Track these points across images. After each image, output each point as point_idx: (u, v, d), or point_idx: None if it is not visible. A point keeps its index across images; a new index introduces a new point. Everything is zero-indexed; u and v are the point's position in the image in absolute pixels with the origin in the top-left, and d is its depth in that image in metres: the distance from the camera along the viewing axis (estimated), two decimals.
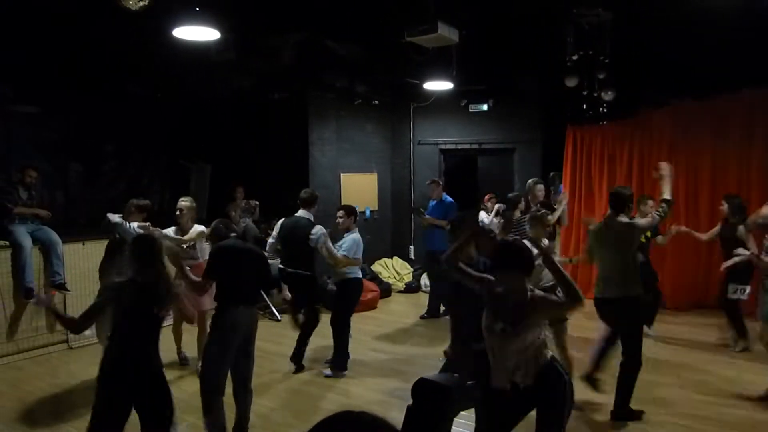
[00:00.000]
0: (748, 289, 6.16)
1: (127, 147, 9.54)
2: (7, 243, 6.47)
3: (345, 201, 9.83)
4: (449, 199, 8.51)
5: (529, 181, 7.83)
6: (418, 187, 11.19)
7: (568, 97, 8.52)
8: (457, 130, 10.81)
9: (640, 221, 4.99)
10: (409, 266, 10.74)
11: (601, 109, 8.71)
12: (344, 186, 10.03)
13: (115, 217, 5.75)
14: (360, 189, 10.38)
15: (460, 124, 10.76)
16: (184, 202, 6.23)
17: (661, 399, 5.18)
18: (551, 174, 10.05)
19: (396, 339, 7.27)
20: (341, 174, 10.07)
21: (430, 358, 6.20)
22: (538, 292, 3.36)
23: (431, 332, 7.57)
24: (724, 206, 6.57)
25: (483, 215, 8.72)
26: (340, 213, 6.18)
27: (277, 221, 6.50)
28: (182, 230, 6.14)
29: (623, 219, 4.78)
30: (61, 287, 6.62)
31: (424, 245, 8.87)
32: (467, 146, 10.76)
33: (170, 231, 6.14)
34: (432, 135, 11.01)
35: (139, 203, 5.94)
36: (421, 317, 8.25)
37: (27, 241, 6.45)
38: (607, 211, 4.98)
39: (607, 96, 8.05)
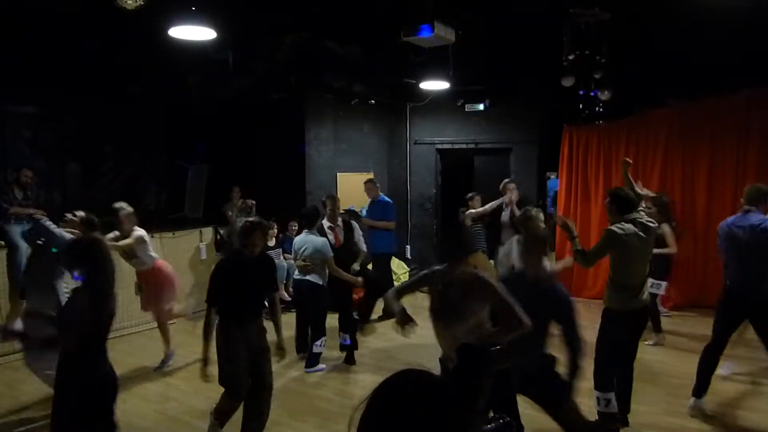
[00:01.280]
0: (663, 284, 6.83)
1: (124, 147, 9.53)
2: (3, 243, 6.46)
3: (341, 201, 9.83)
4: (386, 198, 8.48)
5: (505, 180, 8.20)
6: (415, 187, 11.20)
7: (565, 96, 8.53)
8: (454, 130, 10.81)
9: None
10: (405, 266, 10.74)
11: (597, 108, 8.74)
12: (341, 186, 10.03)
13: (45, 220, 5.51)
14: (357, 189, 10.34)
15: (456, 123, 10.77)
16: (123, 210, 5.94)
17: (648, 397, 5.20)
18: (547, 174, 10.09)
19: (393, 339, 7.24)
20: (338, 174, 10.07)
21: (427, 358, 6.18)
22: (482, 274, 3.52)
23: (429, 332, 7.55)
24: (653, 209, 6.59)
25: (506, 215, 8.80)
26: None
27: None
28: (123, 236, 5.92)
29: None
30: None
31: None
32: (464, 146, 10.77)
33: (110, 236, 5.92)
34: (429, 135, 11.01)
35: (86, 217, 5.60)
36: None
37: (22, 242, 6.44)
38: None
39: (604, 96, 8.07)
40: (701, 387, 4.91)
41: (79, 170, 9.03)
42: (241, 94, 8.82)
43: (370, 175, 10.78)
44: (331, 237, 6.62)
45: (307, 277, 6.17)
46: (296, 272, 6.40)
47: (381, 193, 8.49)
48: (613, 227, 4.44)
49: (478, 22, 6.42)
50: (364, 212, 10.21)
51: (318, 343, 6.19)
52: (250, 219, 4.50)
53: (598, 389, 4.43)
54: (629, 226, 4.39)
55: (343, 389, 5.69)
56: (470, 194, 8.13)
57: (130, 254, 6.04)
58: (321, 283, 6.23)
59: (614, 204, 4.58)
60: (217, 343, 4.23)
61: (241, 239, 4.30)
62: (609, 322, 4.49)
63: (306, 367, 6.21)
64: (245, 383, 4.20)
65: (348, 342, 6.47)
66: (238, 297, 4.23)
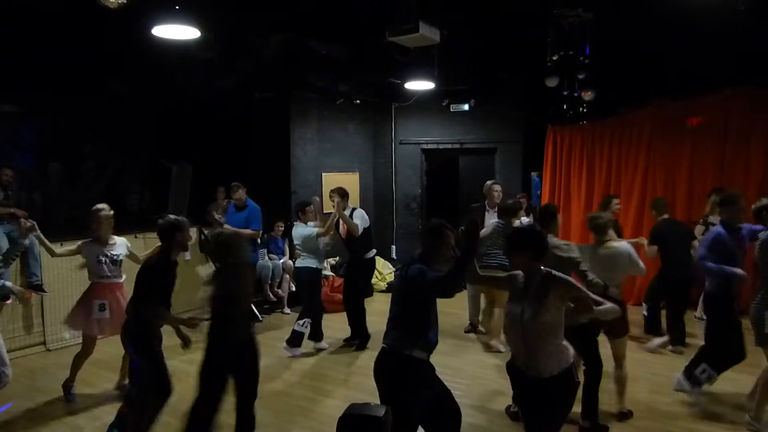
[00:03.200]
0: None
1: (107, 147, 9.44)
2: None
3: (327, 201, 9.84)
4: (254, 204, 7.85)
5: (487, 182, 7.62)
6: (400, 186, 11.21)
7: (549, 97, 8.58)
8: (439, 130, 10.84)
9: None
10: (391, 266, 10.75)
11: (581, 109, 8.79)
12: (326, 185, 9.99)
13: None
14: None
15: (441, 123, 10.79)
16: (103, 211, 5.35)
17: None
18: (535, 174, 10.15)
19: (380, 340, 7.24)
20: (323, 173, 10.05)
21: None
22: (557, 273, 3.34)
23: None
24: None
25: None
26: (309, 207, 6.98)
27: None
28: (101, 241, 5.33)
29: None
30: (38, 288, 6.54)
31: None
32: (449, 146, 10.80)
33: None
34: (414, 135, 11.03)
35: None
36: None
37: (3, 242, 6.36)
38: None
39: (587, 96, 8.12)
40: None
41: (61, 170, 8.93)
42: (226, 94, 8.77)
43: (356, 175, 10.80)
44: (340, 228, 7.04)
45: (304, 263, 6.78)
46: (296, 261, 7.12)
47: (248, 198, 7.87)
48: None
49: (463, 22, 6.44)
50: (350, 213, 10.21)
51: (301, 322, 6.65)
52: (178, 218, 4.50)
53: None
54: None
55: (331, 391, 5.68)
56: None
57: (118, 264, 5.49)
58: (315, 266, 6.78)
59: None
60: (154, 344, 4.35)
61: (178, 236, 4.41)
62: None
63: (286, 342, 6.62)
64: None
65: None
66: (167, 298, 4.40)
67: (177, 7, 4.93)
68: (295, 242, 6.99)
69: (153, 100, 9.13)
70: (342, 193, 6.81)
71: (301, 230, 6.82)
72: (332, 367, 6.33)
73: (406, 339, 3.58)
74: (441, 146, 10.89)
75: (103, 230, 5.32)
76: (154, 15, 5.02)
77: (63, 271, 6.75)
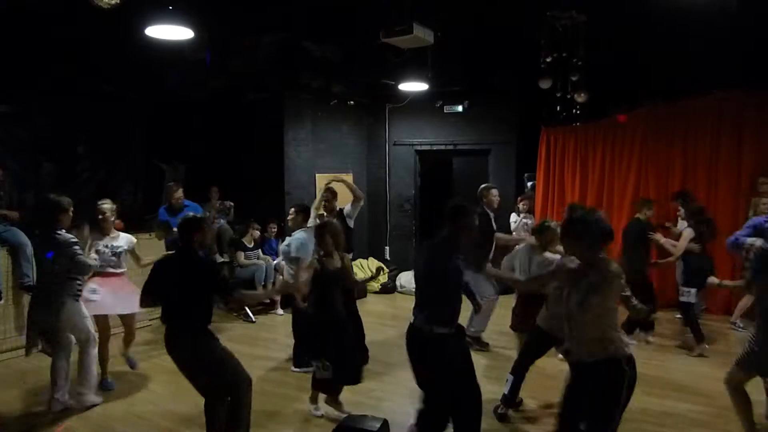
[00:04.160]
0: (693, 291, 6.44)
1: (100, 147, 9.40)
2: None
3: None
4: (192, 203, 7.56)
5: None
6: (393, 188, 11.21)
7: (543, 98, 8.61)
8: (433, 131, 10.85)
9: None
10: (385, 267, 10.73)
11: (574, 110, 8.82)
12: (319, 187, 9.98)
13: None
14: (335, 189, 10.34)
15: (435, 125, 10.80)
16: (107, 205, 5.65)
17: None
18: (526, 175, 10.17)
19: (372, 340, 7.22)
20: (316, 174, 10.04)
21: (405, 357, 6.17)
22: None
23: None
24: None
25: (513, 216, 8.89)
26: (291, 210, 6.42)
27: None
28: (104, 232, 5.63)
29: None
30: (30, 289, 6.49)
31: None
32: (442, 147, 10.81)
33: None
34: (407, 136, 11.03)
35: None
36: None
37: None
38: None
39: (581, 98, 8.14)
40: None
41: (53, 170, 8.88)
42: (219, 94, 8.76)
43: (349, 176, 10.76)
44: None
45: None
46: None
47: (186, 200, 7.55)
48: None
49: (457, 24, 6.46)
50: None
51: None
52: (197, 216, 4.28)
53: None
54: None
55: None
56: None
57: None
58: None
59: None
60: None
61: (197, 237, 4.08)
62: None
63: (294, 366, 6.17)
64: None
65: None
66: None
67: (170, 8, 4.92)
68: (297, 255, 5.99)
69: (146, 101, 9.10)
70: (333, 192, 6.87)
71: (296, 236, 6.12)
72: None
73: (429, 317, 3.71)
74: (435, 147, 10.90)
75: (107, 225, 5.64)
76: (147, 15, 5.00)
77: None
